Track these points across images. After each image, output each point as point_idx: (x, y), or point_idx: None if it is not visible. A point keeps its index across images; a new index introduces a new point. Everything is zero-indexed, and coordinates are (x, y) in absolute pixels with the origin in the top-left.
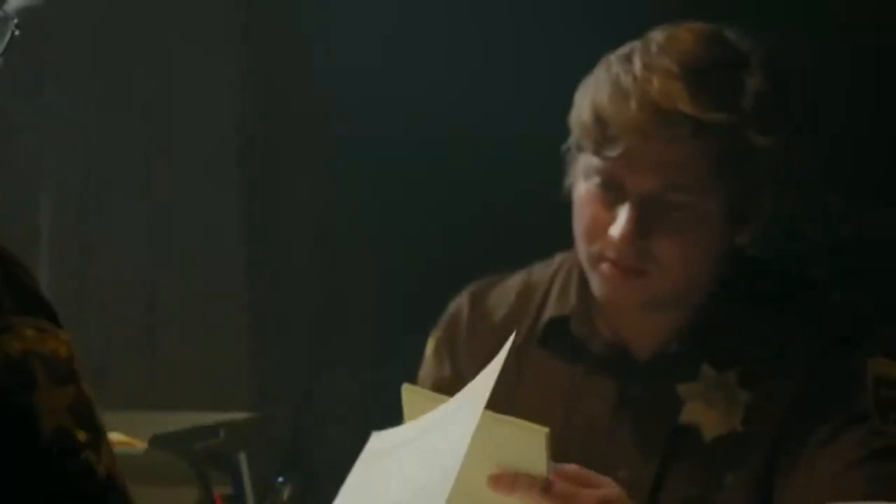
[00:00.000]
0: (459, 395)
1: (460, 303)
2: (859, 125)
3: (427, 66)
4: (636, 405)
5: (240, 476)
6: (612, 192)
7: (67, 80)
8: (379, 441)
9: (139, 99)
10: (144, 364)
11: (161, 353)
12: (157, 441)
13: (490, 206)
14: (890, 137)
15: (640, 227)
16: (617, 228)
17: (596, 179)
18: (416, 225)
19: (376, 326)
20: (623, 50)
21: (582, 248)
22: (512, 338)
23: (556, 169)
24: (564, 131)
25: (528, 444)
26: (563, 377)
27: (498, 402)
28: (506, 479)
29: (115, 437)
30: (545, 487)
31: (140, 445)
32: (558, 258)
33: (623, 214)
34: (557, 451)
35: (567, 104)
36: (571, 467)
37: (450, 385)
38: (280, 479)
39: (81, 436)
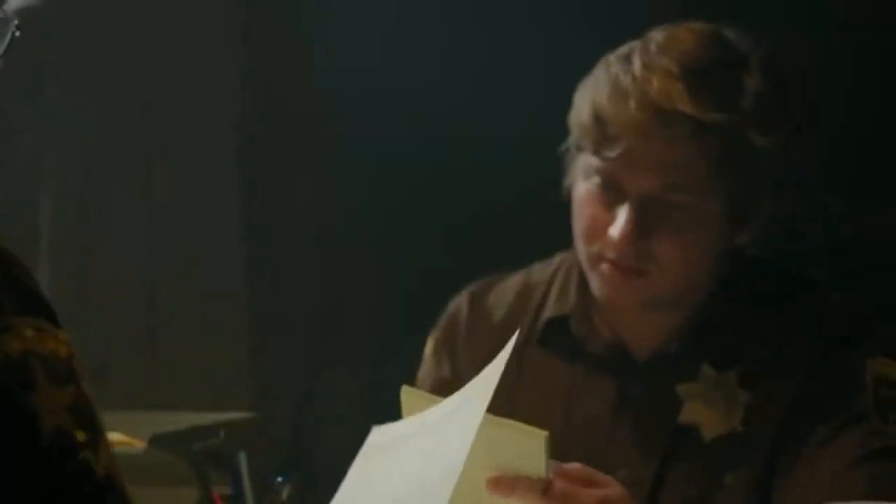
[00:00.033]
0: (460, 393)
1: (460, 303)
2: (859, 125)
3: (427, 66)
4: (636, 405)
5: (239, 476)
6: (611, 192)
7: (67, 80)
8: (380, 435)
9: (139, 99)
10: (144, 364)
11: (161, 353)
12: (156, 441)
13: (490, 206)
14: (890, 137)
15: (640, 228)
16: (616, 228)
17: (595, 179)
18: (416, 225)
19: (376, 326)
20: (622, 50)
21: (581, 248)
22: (515, 337)
23: (556, 169)
24: (564, 131)
25: (527, 447)
26: (563, 377)
27: (498, 402)
28: (505, 482)
29: (114, 437)
30: (545, 490)
31: (140, 445)
32: (558, 258)
33: (623, 214)
34: (557, 452)
35: (567, 104)
36: (575, 466)
37: (449, 385)
38: (280, 479)
39: (81, 436)
